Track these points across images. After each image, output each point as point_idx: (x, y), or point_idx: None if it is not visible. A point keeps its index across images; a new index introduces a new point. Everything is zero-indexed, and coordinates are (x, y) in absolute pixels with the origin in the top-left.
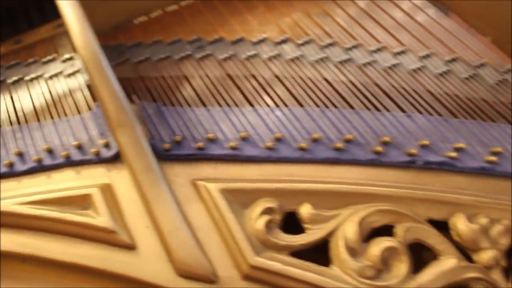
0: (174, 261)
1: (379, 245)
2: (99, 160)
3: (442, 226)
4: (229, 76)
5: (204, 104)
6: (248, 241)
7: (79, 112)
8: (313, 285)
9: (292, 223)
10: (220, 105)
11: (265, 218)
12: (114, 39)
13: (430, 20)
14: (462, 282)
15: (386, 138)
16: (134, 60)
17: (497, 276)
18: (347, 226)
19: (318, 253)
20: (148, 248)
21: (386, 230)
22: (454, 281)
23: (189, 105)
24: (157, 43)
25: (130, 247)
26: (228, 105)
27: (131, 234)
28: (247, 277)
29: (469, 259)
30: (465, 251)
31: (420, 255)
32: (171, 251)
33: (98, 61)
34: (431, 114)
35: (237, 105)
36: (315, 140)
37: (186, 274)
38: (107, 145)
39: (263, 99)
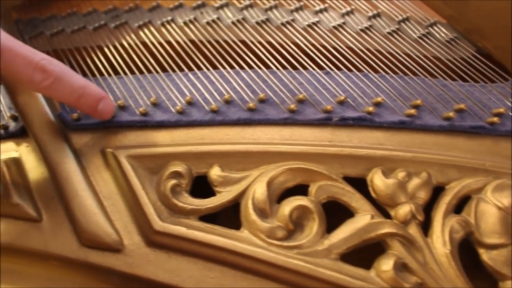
0: (79, 230)
1: (289, 205)
2: (7, 134)
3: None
4: (144, 43)
5: (117, 73)
6: (153, 207)
7: None
8: (220, 248)
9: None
10: (133, 73)
11: (171, 182)
12: (29, 13)
13: None
14: (377, 238)
15: (301, 96)
16: (48, 33)
17: (413, 231)
18: (256, 186)
19: None
20: (53, 219)
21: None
22: (368, 237)
23: (101, 75)
24: (72, 15)
25: (35, 220)
26: (141, 73)
27: (37, 207)
28: (151, 243)
29: (388, 216)
30: (384, 208)
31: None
32: (75, 221)
33: None
34: (351, 71)
35: (150, 72)
36: (227, 102)
37: (90, 244)
38: (15, 118)
39: (178, 64)
